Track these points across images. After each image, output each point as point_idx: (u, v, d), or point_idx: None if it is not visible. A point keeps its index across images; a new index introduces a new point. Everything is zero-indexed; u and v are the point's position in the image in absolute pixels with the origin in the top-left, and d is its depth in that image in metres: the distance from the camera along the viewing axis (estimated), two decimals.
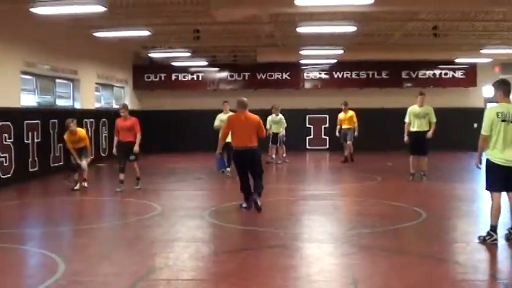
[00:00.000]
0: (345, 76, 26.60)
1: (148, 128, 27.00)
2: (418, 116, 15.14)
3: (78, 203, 13.32)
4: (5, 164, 15.42)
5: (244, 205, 11.26)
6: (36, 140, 17.23)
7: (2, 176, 15.31)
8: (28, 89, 18.01)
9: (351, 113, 20.74)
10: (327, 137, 26.31)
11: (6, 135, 15.48)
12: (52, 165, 18.32)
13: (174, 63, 25.82)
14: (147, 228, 9.92)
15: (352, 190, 14.48)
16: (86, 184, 14.53)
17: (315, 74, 26.72)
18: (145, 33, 17.38)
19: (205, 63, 26.06)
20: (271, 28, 18.50)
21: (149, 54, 23.45)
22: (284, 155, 21.18)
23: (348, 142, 20.62)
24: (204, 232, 9.78)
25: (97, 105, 23.10)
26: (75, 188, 14.29)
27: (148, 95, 27.44)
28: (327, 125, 26.24)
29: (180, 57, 24.00)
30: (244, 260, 7.72)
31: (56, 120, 18.17)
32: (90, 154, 15.14)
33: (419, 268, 7.28)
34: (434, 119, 15.14)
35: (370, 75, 26.49)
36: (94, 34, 17.39)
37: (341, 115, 20.89)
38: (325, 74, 26.68)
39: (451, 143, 24.31)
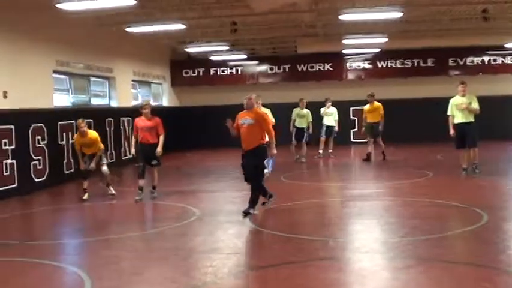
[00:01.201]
0: (389, 65, 25.59)
1: (187, 124, 26.80)
2: (461, 107, 14.28)
3: (112, 208, 12.60)
4: (38, 167, 14.95)
5: (269, 200, 10.88)
6: (71, 141, 16.71)
7: (36, 180, 14.80)
8: (62, 88, 17.49)
9: (377, 105, 19.06)
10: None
11: (39, 137, 15.01)
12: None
13: (212, 58, 25.25)
14: (184, 237, 9.21)
15: (402, 188, 13.51)
16: (112, 190, 13.19)
17: (358, 64, 25.77)
18: (180, 27, 16.77)
19: (244, 56, 25.40)
20: (312, 17, 17.69)
21: (186, 49, 22.79)
22: (330, 150, 20.39)
23: (377, 138, 19.02)
24: (246, 241, 8.97)
25: (134, 103, 22.53)
26: (84, 197, 12.89)
27: (187, 91, 26.86)
28: None
29: (218, 51, 23.37)
30: (289, 276, 6.91)
31: (91, 120, 17.59)
32: (106, 157, 13.92)
33: (489, 284, 6.36)
34: (477, 106, 14.24)
35: (416, 64, 25.42)
36: (127, 30, 16.77)
37: (366, 107, 19.30)
38: (368, 63, 25.71)
39: (502, 133, 23.23)
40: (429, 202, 11.38)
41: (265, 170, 13.19)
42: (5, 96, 13.84)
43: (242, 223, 9.83)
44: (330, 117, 20.11)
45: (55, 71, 16.44)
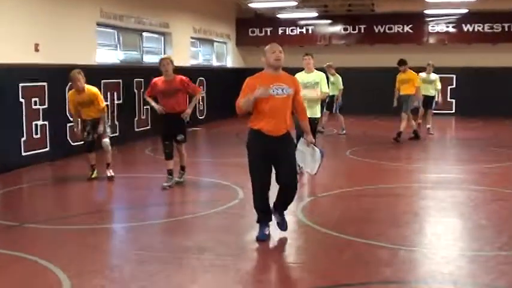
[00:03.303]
0: (476, 29, 22.89)
1: None
2: None
3: (147, 184, 10.77)
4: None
5: (265, 231, 6.87)
6: (116, 102, 15.15)
7: (73, 144, 13.22)
8: (108, 44, 15.85)
9: (411, 74, 15.98)
10: (453, 100, 23.01)
11: None
12: (137, 130, 16.28)
13: (281, 16, 23.18)
14: (220, 228, 7.41)
15: (488, 174, 11.25)
16: (110, 173, 10.62)
17: (441, 27, 23.14)
18: None
19: (316, 14, 23.22)
20: None
21: (251, 5, 20.77)
22: (428, 125, 17.26)
23: (402, 113, 15.81)
24: (292, 244, 6.86)
25: (193, 62, 20.78)
26: (92, 176, 10.62)
27: (254, 51, 24.83)
28: (454, 86, 22.86)
29: (286, 7, 21.33)
30: None
31: (141, 79, 15.98)
32: (107, 126, 10.84)
33: None
34: None
35: (506, 28, 22.61)
36: None
37: (399, 76, 16.19)
38: (453, 26, 23.10)
39: None
40: None
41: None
42: (36, 49, 12.25)
43: (293, 214, 7.87)
44: (430, 85, 17.12)
45: (99, 24, 14.77)
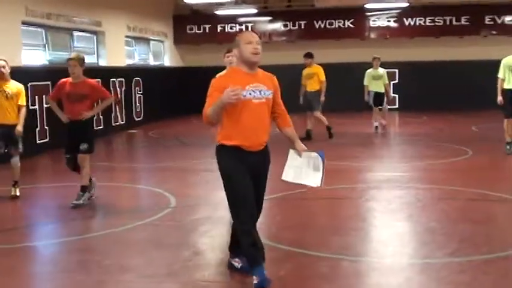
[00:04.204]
0: (417, 23, 22.71)
1: (192, 87, 24.16)
2: None
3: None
4: None
5: (239, 264, 5.57)
6: (46, 106, 14.27)
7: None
8: (36, 44, 14.95)
9: (315, 68, 15.30)
10: (397, 95, 22.72)
11: None
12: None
13: (219, 12, 22.51)
14: (146, 243, 6.69)
15: (438, 171, 10.79)
16: (16, 192, 9.06)
17: (382, 21, 22.84)
18: None
19: (255, 11, 22.64)
20: None
21: (187, 1, 20.02)
22: (383, 122, 16.80)
23: (315, 113, 15.18)
24: (226, 259, 6.31)
25: (129, 62, 19.96)
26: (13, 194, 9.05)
27: (192, 49, 24.18)
28: (397, 81, 22.53)
29: (224, 4, 20.68)
30: None
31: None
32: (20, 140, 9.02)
33: None
34: None
35: (448, 22, 22.46)
36: None
37: (304, 71, 15.52)
38: (394, 21, 22.83)
39: None
40: (476, 194, 8.76)
41: None
42: None
43: (226, 224, 7.22)
44: (379, 81, 16.49)
45: (25, 23, 13.88)
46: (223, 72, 5.27)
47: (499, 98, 12.01)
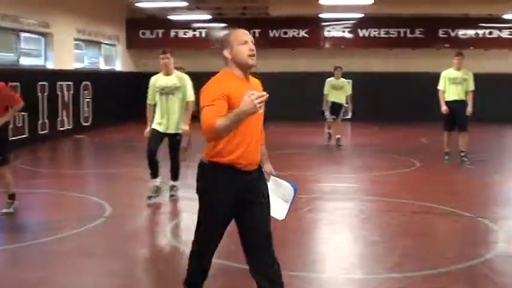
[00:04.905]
0: (372, 34, 22.68)
1: (144, 93, 23.51)
2: (454, 82, 12.19)
3: None
4: None
5: None
6: None
7: None
8: None
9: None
10: (350, 105, 22.66)
11: None
12: (12, 139, 14.87)
13: (173, 18, 22.19)
14: (74, 254, 6.35)
15: (385, 183, 10.65)
16: None
17: (337, 32, 22.78)
18: None
19: (209, 17, 22.40)
20: None
21: (138, 5, 19.67)
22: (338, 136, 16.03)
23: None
24: (162, 271, 6.02)
25: (77, 65, 19.49)
26: None
27: (145, 54, 23.75)
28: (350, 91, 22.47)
29: (178, 8, 20.38)
30: None
31: (17, 83, 14.64)
32: None
33: None
34: (472, 87, 12.28)
35: (402, 34, 22.53)
36: None
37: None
38: (349, 31, 22.80)
39: (493, 116, 20.64)
40: (422, 207, 8.62)
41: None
42: None
43: (163, 234, 6.94)
44: (340, 91, 15.95)
45: None
46: (216, 76, 4.28)
47: (444, 108, 12.19)
